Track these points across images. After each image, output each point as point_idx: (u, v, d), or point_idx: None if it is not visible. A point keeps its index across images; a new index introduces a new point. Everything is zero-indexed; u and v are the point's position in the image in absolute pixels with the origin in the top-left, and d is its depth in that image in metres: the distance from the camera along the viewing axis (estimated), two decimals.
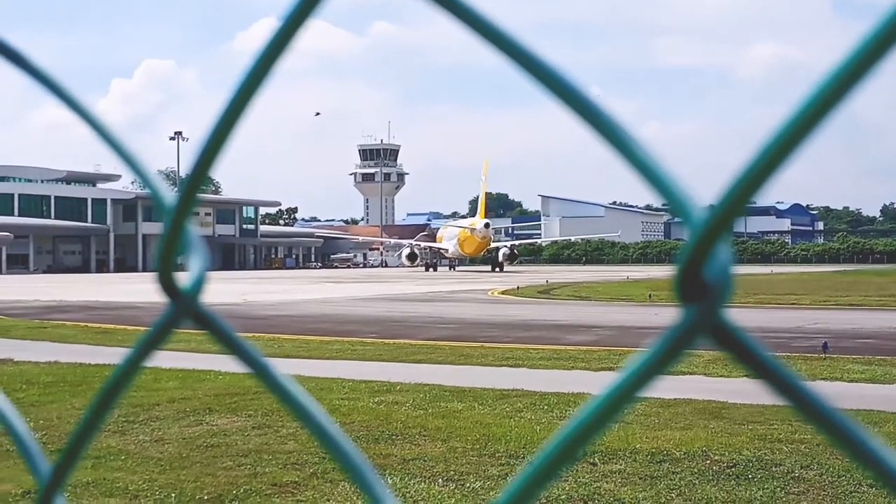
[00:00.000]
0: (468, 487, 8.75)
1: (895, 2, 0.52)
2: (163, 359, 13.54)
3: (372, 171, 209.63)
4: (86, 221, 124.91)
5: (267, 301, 41.95)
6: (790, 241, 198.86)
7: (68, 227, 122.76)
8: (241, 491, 8.64)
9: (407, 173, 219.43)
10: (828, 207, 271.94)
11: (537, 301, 44.23)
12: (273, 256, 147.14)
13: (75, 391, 14.06)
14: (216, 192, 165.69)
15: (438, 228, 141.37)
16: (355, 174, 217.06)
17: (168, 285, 0.88)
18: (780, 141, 0.55)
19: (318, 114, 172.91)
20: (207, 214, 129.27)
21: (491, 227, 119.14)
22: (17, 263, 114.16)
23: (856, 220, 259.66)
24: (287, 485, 8.84)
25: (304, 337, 23.87)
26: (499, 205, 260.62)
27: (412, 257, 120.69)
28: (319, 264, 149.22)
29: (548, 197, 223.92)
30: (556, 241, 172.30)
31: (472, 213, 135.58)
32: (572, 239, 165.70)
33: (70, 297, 45.64)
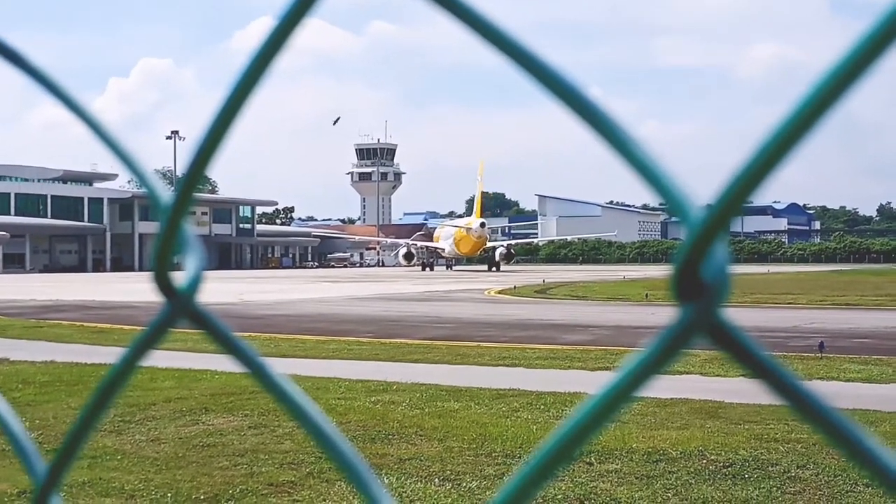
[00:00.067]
0: (464, 487, 8.75)
1: (891, 1, 0.52)
2: (159, 358, 13.52)
3: (369, 170, 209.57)
4: (82, 221, 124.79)
5: (263, 300, 41.94)
6: (787, 240, 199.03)
7: (65, 226, 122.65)
8: (238, 491, 8.63)
9: (404, 173, 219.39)
10: (824, 207, 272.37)
11: (534, 300, 44.25)
12: (270, 256, 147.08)
13: (71, 391, 14.04)
14: (213, 191, 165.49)
15: (435, 228, 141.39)
16: (352, 173, 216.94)
17: (164, 284, 0.88)
18: (777, 140, 0.55)
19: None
20: (204, 214, 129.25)
21: (487, 226, 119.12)
22: (14, 263, 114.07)
23: (852, 220, 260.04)
24: (283, 484, 8.83)
25: (301, 336, 23.86)
26: (495, 204, 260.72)
27: (409, 257, 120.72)
28: (316, 264, 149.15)
29: (545, 196, 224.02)
30: (552, 241, 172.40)
31: (469, 212, 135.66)
32: (569, 238, 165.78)
33: (66, 296, 45.60)
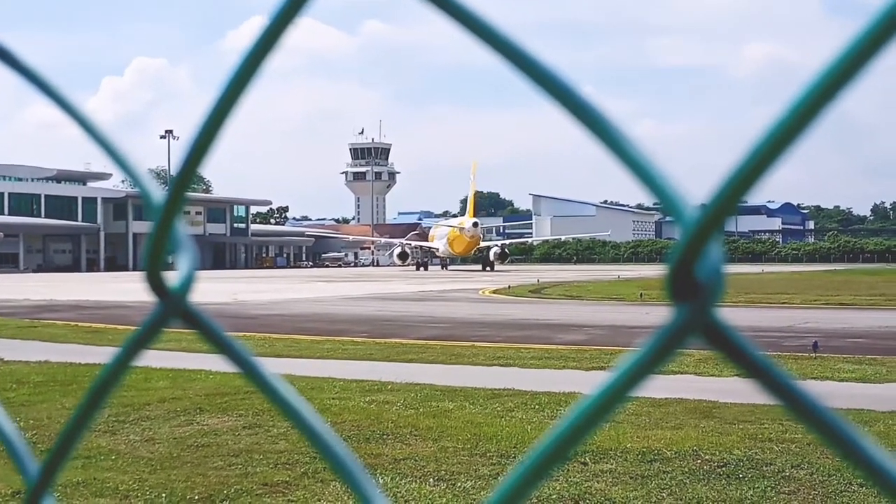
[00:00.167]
0: (459, 487, 8.75)
1: (887, 1, 0.52)
2: (153, 358, 13.52)
3: (363, 169, 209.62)
4: (76, 220, 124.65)
5: (257, 300, 41.91)
6: (781, 240, 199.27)
7: (59, 225, 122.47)
8: (232, 491, 8.62)
9: (398, 172, 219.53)
10: (819, 206, 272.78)
11: (528, 300, 44.27)
12: (264, 255, 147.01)
13: (66, 390, 14.02)
14: (207, 190, 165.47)
15: (430, 227, 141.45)
16: (346, 173, 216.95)
17: (156, 284, 0.88)
18: (772, 140, 0.55)
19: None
20: (198, 213, 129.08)
21: (480, 225, 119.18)
22: (7, 262, 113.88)
23: (846, 220, 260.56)
24: (278, 484, 8.83)
25: (295, 336, 23.84)
26: (490, 204, 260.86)
27: (403, 256, 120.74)
28: (310, 263, 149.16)
29: (539, 196, 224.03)
30: (547, 241, 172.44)
31: (464, 212, 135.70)
32: (563, 238, 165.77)
33: (60, 296, 45.53)
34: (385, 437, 10.85)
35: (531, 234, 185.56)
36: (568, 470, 8.97)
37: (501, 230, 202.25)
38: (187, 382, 14.73)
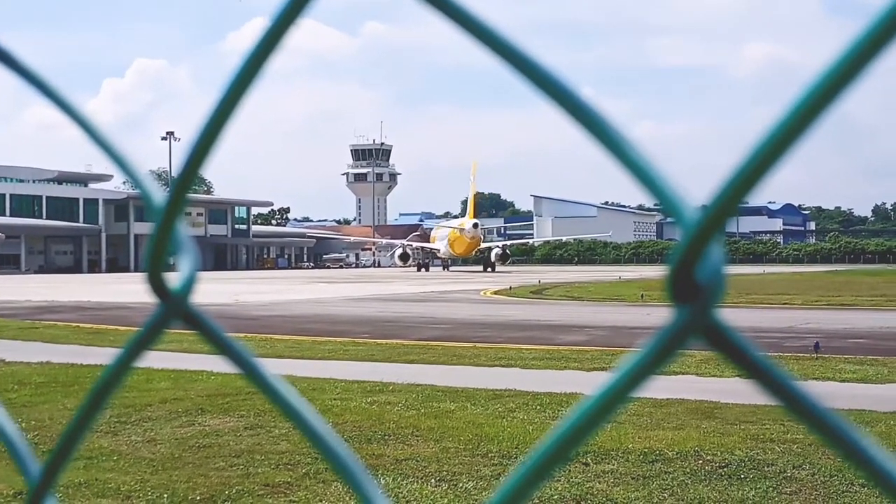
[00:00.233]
0: (461, 488, 8.75)
1: (887, 2, 0.52)
2: (155, 359, 13.52)
3: (364, 171, 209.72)
4: (77, 221, 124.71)
5: (259, 301, 41.90)
6: (782, 241, 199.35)
7: (60, 227, 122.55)
8: (234, 491, 8.62)
9: (399, 173, 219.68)
10: (820, 207, 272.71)
11: (530, 301, 44.26)
12: (265, 256, 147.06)
13: (67, 392, 14.02)
14: (208, 191, 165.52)
15: (431, 228, 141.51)
16: (347, 174, 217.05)
17: (158, 286, 0.88)
18: (773, 141, 0.55)
19: None
20: (199, 214, 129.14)
21: (480, 226, 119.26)
22: (9, 264, 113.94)
23: (847, 220, 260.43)
24: (279, 485, 8.83)
25: (297, 337, 23.84)
26: (491, 205, 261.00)
27: (404, 257, 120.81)
28: (312, 264, 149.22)
29: (540, 197, 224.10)
30: (548, 241, 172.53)
31: (465, 213, 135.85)
32: (564, 239, 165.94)
33: (62, 297, 45.53)
34: (386, 437, 10.85)
35: (532, 235, 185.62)
36: (569, 470, 8.97)
37: (503, 231, 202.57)
38: (189, 383, 14.73)
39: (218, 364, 14.43)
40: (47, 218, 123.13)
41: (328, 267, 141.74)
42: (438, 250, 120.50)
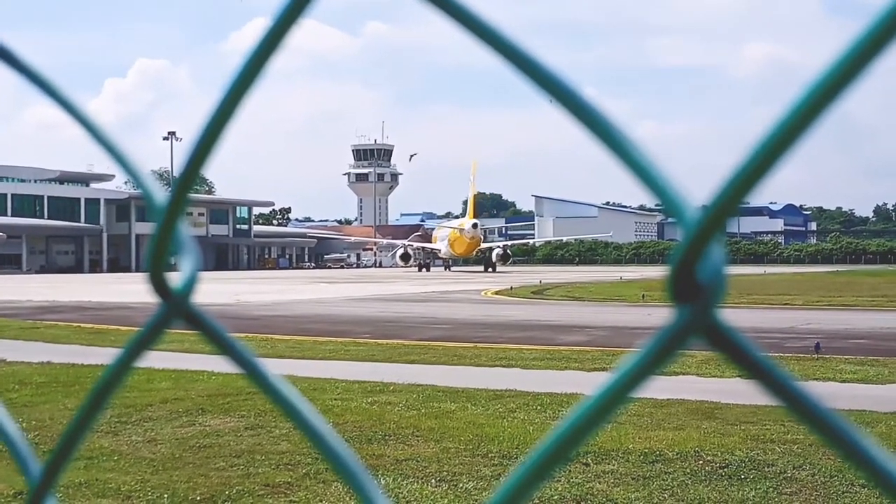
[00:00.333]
0: (461, 488, 8.75)
1: (887, 2, 0.52)
2: (155, 359, 13.51)
3: (365, 171, 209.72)
4: (79, 221, 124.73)
5: (260, 301, 41.91)
6: (783, 241, 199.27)
7: (61, 227, 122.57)
8: (234, 491, 8.63)
9: (401, 173, 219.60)
10: (821, 208, 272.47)
11: (530, 301, 44.25)
12: (266, 257, 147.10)
13: (68, 392, 14.02)
14: (209, 191, 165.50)
15: (432, 229, 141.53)
16: (349, 174, 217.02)
17: (159, 285, 0.88)
18: (774, 141, 0.55)
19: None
20: (201, 214, 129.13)
21: (480, 227, 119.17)
22: (10, 263, 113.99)
23: (849, 221, 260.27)
24: (280, 485, 8.83)
25: (298, 337, 23.84)
26: (492, 205, 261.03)
27: (406, 257, 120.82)
28: (313, 264, 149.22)
29: (541, 197, 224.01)
30: (549, 242, 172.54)
31: (466, 213, 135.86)
32: (565, 239, 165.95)
33: (63, 297, 45.54)
34: (387, 437, 10.85)
35: (533, 235, 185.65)
36: (570, 470, 8.96)
37: (504, 231, 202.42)
38: (190, 383, 14.73)
39: (219, 364, 14.43)
40: (49, 218, 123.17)
41: (329, 267, 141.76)
42: (439, 250, 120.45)
